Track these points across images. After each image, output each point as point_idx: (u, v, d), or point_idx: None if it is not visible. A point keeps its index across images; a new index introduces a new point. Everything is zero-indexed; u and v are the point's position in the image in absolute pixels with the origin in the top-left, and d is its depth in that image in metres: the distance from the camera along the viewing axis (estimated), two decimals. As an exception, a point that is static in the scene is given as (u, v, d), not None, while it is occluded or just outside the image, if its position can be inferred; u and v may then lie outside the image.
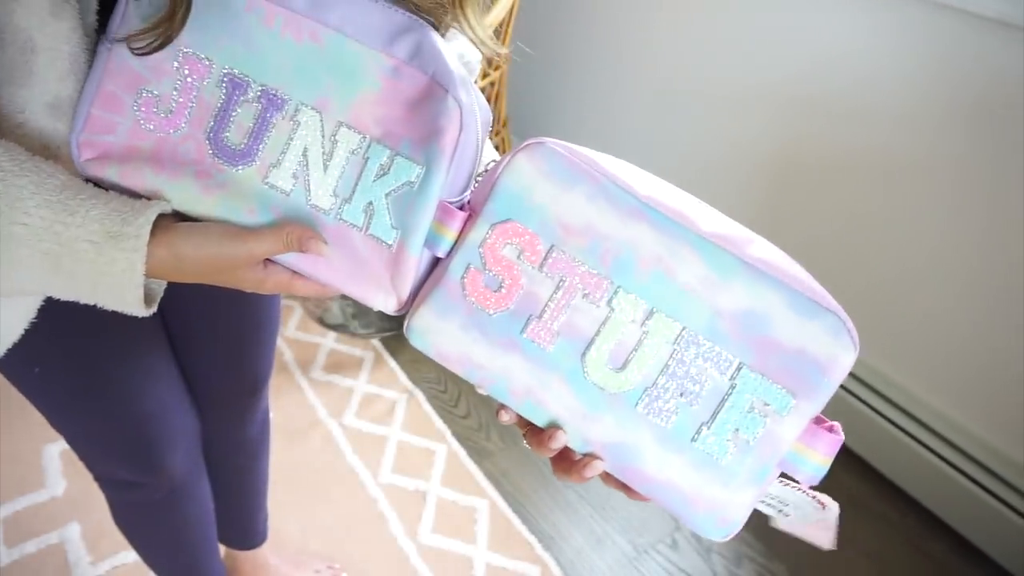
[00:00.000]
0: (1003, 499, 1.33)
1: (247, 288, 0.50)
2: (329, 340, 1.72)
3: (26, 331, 0.58)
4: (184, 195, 0.48)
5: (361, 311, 1.69)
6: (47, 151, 0.47)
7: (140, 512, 0.87)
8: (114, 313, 0.69)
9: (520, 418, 0.50)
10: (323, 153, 0.48)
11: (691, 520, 0.48)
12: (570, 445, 0.48)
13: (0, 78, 0.44)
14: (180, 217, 0.49)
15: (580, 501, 1.43)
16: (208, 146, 0.48)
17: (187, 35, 0.47)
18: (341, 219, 0.49)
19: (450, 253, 0.48)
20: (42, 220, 0.43)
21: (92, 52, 0.47)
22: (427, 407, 1.58)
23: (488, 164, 0.51)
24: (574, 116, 2.05)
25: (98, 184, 0.49)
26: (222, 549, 1.11)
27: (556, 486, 1.45)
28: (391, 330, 1.74)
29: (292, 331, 1.73)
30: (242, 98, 0.48)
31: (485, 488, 1.42)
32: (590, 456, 0.48)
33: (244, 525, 1.09)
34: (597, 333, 0.46)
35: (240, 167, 0.48)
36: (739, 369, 0.45)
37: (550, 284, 0.47)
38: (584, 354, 0.47)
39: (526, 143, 0.47)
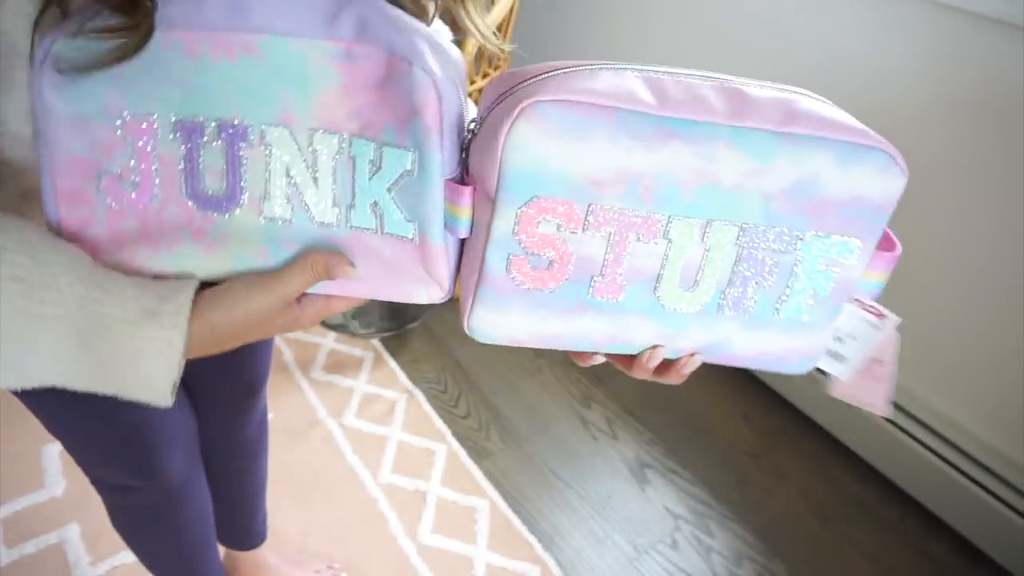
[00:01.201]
0: (1003, 499, 1.33)
1: (286, 331, 0.48)
2: (329, 340, 1.72)
3: None
4: (189, 262, 0.46)
5: (361, 311, 1.69)
6: (27, 160, 0.45)
7: (138, 516, 0.87)
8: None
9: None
10: (307, 167, 0.44)
11: (781, 370, 0.51)
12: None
13: None
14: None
15: (580, 501, 1.42)
16: (190, 202, 0.45)
17: (117, 99, 0.42)
18: (352, 227, 0.46)
19: (481, 247, 0.45)
20: (76, 299, 0.40)
21: None
22: (427, 407, 1.58)
23: (470, 123, 0.46)
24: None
25: None
26: (221, 550, 1.11)
27: (556, 486, 1.45)
28: (391, 330, 1.74)
29: (292, 331, 1.73)
30: (201, 141, 0.43)
31: (485, 488, 1.42)
32: (685, 356, 0.50)
33: (243, 526, 1.09)
34: (662, 267, 0.46)
35: (230, 212, 0.45)
36: (800, 238, 0.45)
37: (601, 241, 0.44)
38: (655, 290, 0.46)
39: (518, 107, 0.40)
